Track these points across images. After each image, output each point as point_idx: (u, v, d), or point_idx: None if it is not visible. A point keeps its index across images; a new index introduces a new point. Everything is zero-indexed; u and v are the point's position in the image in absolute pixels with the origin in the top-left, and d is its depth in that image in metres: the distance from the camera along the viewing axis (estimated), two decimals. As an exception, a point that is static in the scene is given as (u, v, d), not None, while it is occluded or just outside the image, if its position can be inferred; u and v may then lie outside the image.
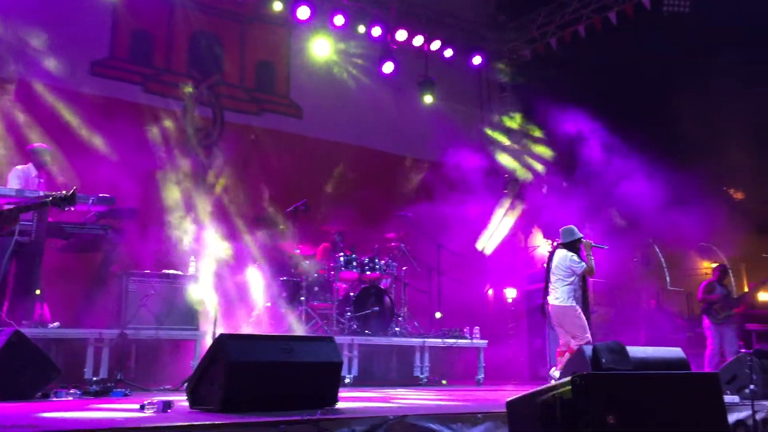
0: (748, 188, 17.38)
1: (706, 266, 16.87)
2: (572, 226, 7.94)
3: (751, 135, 15.74)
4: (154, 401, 4.57)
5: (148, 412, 4.46)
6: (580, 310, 7.75)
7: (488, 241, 13.85)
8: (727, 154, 15.55)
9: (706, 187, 16.12)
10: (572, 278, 7.70)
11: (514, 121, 14.69)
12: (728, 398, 5.83)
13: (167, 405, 4.53)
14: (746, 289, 10.93)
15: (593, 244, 7.83)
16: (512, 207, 14.35)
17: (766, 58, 15.25)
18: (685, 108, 15.95)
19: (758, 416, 5.39)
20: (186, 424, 3.74)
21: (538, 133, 14.76)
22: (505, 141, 14.54)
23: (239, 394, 4.40)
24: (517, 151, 14.50)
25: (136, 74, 10.89)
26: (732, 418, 5.28)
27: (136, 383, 7.20)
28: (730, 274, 10.46)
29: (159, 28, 11.11)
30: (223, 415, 4.18)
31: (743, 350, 7.11)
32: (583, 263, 7.74)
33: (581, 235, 7.86)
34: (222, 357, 4.44)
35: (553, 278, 7.73)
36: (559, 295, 7.65)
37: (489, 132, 14.50)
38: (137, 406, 4.69)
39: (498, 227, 14.07)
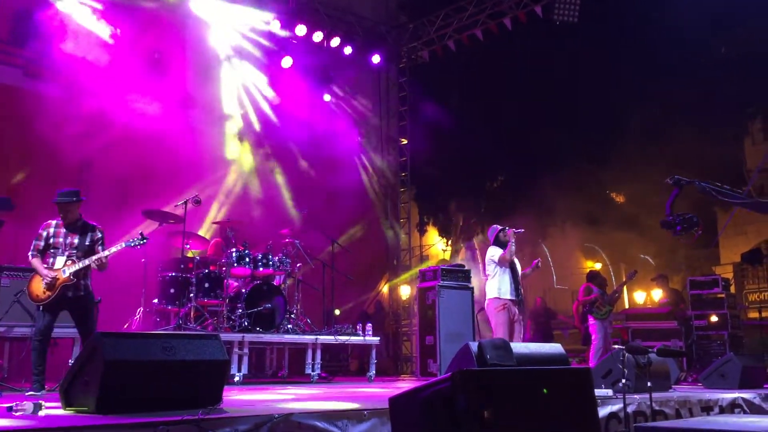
0: (628, 192, 18.37)
1: (590, 265, 17.74)
2: (494, 225, 8.63)
3: (633, 142, 16.64)
4: (24, 402, 4.33)
5: (17, 414, 4.22)
6: (501, 307, 8.22)
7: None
8: (610, 160, 16.37)
9: (590, 191, 16.94)
10: (496, 271, 8.31)
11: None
12: (602, 392, 6.14)
13: (38, 406, 4.30)
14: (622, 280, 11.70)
15: (515, 231, 8.41)
16: None
17: (645, 73, 16.15)
18: (573, 115, 16.70)
19: (629, 409, 5.69)
20: (56, 426, 3.56)
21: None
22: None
23: (116, 395, 4.23)
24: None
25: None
26: (605, 410, 5.56)
27: (8, 383, 6.83)
28: (601, 275, 11.12)
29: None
30: (98, 417, 4.01)
31: (616, 346, 7.50)
32: (499, 250, 8.30)
33: (499, 227, 8.50)
34: (98, 356, 4.25)
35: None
36: (487, 289, 8.37)
37: None
38: (5, 408, 4.43)
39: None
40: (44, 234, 6.44)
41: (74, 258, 6.35)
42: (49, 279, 6.24)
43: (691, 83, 16.00)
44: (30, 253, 6.41)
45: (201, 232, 10.54)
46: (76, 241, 6.43)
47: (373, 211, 14.64)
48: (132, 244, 6.61)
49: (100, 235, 6.57)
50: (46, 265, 6.36)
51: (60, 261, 6.34)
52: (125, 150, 10.59)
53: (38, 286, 6.29)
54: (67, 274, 6.28)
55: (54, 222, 6.51)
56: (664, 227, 5.12)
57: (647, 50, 15.97)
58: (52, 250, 6.39)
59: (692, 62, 16.21)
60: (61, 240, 6.41)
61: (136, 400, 4.28)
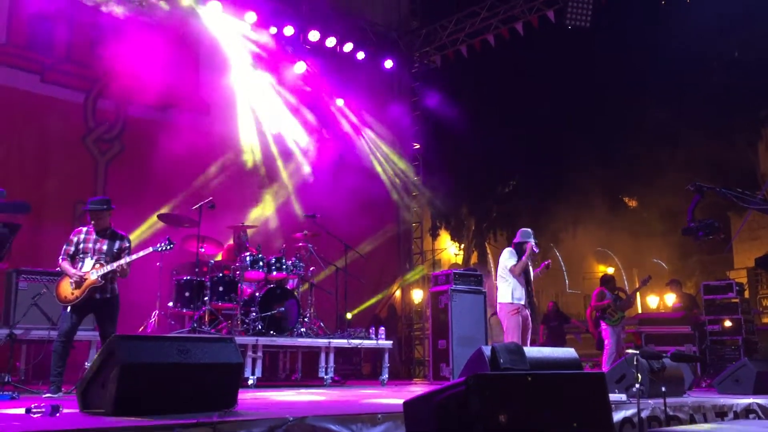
0: (641, 197, 18.29)
1: (602, 269, 17.68)
2: (527, 230, 8.57)
3: (646, 147, 16.59)
4: (42, 404, 4.38)
5: (35, 416, 4.26)
6: (514, 310, 8.20)
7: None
8: (623, 164, 16.32)
9: (603, 195, 16.88)
10: (509, 276, 8.29)
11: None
12: (616, 397, 6.12)
13: (55, 408, 4.34)
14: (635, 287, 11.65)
15: (533, 248, 8.33)
16: None
17: (657, 77, 16.11)
18: (585, 119, 16.68)
19: (643, 414, 5.67)
20: (74, 428, 3.59)
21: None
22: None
23: (132, 397, 4.26)
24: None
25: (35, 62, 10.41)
26: (619, 415, 5.54)
27: (25, 386, 6.89)
28: (615, 280, 11.08)
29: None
30: (114, 419, 4.04)
31: (630, 351, 7.46)
32: (513, 259, 8.29)
33: (529, 241, 8.36)
34: (114, 358, 4.30)
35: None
36: (500, 293, 8.32)
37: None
38: (23, 410, 4.47)
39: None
40: (74, 240, 6.65)
41: (102, 262, 6.53)
42: (77, 277, 6.41)
43: (704, 87, 15.93)
44: (60, 257, 6.62)
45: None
46: (104, 247, 6.62)
47: (386, 215, 14.63)
48: (159, 249, 6.79)
49: (127, 245, 6.76)
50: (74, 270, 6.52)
51: (88, 264, 6.53)
52: (141, 154, 10.70)
53: (66, 288, 6.46)
54: (95, 277, 6.44)
55: (84, 229, 6.73)
56: (687, 234, 5.22)
57: (660, 54, 15.94)
58: (81, 255, 6.59)
59: (705, 66, 16.15)
60: (90, 246, 6.61)
61: (152, 402, 4.32)
